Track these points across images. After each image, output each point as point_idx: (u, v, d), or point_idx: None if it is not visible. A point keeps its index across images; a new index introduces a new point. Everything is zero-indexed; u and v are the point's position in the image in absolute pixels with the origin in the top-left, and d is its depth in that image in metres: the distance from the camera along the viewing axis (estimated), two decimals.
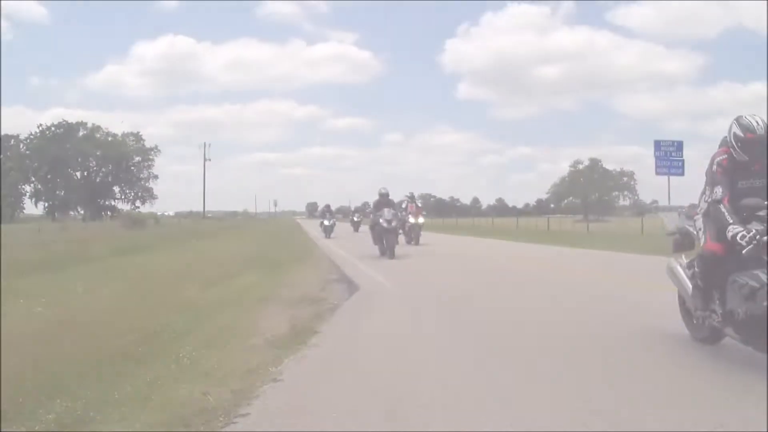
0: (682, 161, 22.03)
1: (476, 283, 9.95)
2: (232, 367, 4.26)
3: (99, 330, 5.51)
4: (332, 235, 27.31)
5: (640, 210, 25.16)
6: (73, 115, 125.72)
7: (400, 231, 17.34)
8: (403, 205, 20.50)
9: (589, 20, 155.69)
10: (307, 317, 6.13)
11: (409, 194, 22.62)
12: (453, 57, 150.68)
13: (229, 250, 18.45)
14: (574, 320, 6.07)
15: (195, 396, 3.61)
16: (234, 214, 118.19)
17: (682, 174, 22.01)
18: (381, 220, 14.25)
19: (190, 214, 74.78)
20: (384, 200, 15.23)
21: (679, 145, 22.08)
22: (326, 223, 28.28)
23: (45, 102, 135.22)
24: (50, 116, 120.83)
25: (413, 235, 19.99)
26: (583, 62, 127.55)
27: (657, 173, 21.92)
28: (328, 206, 30.97)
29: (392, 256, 13.85)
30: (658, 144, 21.77)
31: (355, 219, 35.20)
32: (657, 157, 21.69)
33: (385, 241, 14.24)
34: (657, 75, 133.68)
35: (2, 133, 66.10)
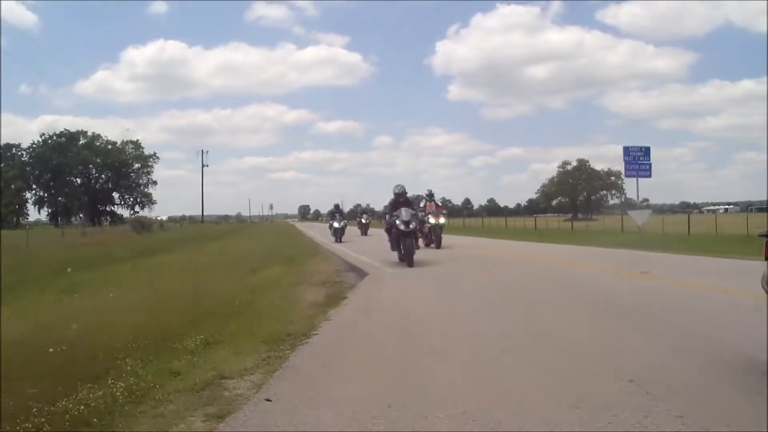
0: (649, 165, 24.30)
1: (460, 266, 12.29)
2: (295, 316, 6.53)
3: (183, 302, 7.68)
4: (343, 239, 24.78)
5: (630, 208, 27.12)
6: (63, 122, 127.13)
7: (419, 233, 15.30)
8: (422, 204, 18.35)
9: (579, 20, 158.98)
10: (334, 291, 8.43)
11: (427, 192, 19.77)
12: (443, 58, 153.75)
13: (243, 249, 20.59)
14: (524, 283, 8.40)
15: (279, 330, 5.84)
16: (227, 218, 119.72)
17: (649, 176, 24.28)
18: (397, 222, 12.36)
19: (182, 219, 76.62)
20: (401, 199, 13.21)
21: (646, 151, 24.35)
22: (336, 225, 25.29)
23: (35, 109, 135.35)
24: (40, 123, 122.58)
25: (434, 237, 17.97)
26: (573, 62, 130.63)
27: (626, 176, 24.35)
28: (337, 206, 27.73)
29: (411, 263, 12.07)
30: (627, 149, 24.02)
31: (363, 221, 31.71)
32: (626, 162, 23.94)
33: (402, 246, 12.51)
34: (647, 74, 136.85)
35: (3, 143, 68.20)
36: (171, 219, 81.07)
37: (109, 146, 72.72)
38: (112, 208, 76.57)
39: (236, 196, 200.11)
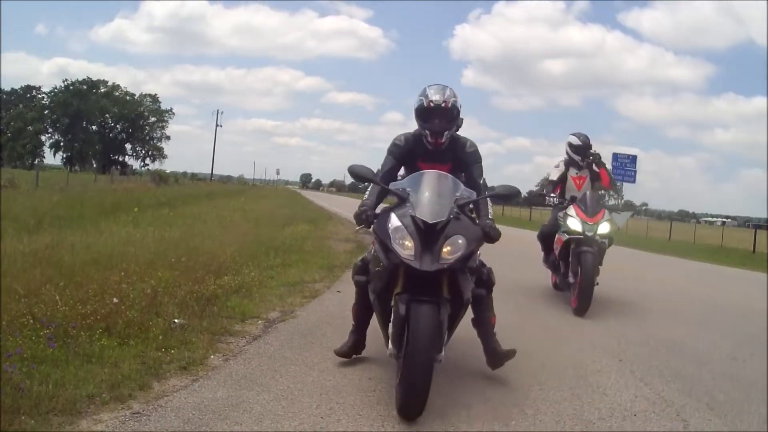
0: (635, 171, 26.82)
1: None
2: (335, 257, 9.15)
3: (246, 240, 10.23)
4: None
5: (628, 210, 28.59)
6: (76, 66, 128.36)
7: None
8: (554, 175, 7.27)
9: (602, 20, 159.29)
10: (358, 245, 10.99)
11: (575, 140, 7.00)
12: (462, 43, 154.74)
13: (264, 210, 22.93)
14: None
15: (328, 263, 8.45)
16: (229, 178, 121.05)
17: (634, 182, 26.85)
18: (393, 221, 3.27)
19: (185, 175, 78.74)
20: (439, 138, 3.86)
21: (633, 159, 26.85)
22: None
23: (48, 51, 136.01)
24: (53, 65, 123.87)
25: (579, 276, 6.23)
26: (591, 60, 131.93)
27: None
28: None
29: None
30: (615, 156, 26.48)
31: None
32: (614, 167, 26.39)
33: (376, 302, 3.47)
34: (663, 80, 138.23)
35: (24, 84, 70.23)
36: (173, 174, 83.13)
37: (128, 97, 74.84)
38: (123, 159, 79.02)
39: (238, 156, 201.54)
